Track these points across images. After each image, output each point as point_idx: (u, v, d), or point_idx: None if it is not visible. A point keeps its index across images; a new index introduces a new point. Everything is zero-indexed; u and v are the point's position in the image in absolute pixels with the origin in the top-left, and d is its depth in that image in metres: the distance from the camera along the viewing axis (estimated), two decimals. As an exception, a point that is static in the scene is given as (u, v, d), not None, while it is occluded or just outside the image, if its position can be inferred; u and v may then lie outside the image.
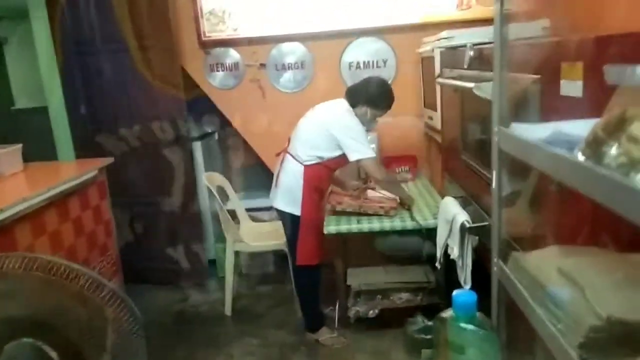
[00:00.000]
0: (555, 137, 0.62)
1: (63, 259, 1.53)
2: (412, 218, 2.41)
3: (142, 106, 3.17)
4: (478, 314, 0.74)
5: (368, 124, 2.49)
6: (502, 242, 0.91)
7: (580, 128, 0.59)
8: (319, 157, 2.42)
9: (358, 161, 2.39)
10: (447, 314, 0.76)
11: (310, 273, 2.50)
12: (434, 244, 2.22)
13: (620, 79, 0.51)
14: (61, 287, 1.43)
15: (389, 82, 3.16)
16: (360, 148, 2.37)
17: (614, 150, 0.47)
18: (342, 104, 2.47)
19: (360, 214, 2.48)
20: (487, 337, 0.72)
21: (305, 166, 2.42)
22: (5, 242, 1.87)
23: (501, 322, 0.90)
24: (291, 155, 2.49)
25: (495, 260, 0.91)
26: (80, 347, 1.39)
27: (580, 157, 0.53)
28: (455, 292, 0.75)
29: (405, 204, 2.54)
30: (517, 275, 0.79)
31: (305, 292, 2.58)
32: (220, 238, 3.30)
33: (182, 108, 3.17)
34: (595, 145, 0.51)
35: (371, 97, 2.42)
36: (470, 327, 0.72)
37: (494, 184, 0.89)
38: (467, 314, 0.73)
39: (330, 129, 2.39)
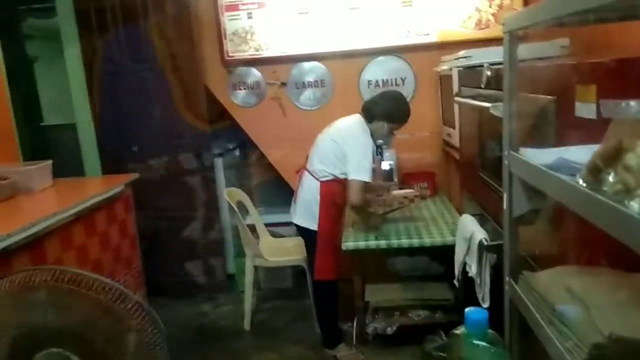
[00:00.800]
0: (560, 163, 0.64)
1: (90, 271, 1.59)
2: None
3: (167, 124, 3.28)
4: (490, 331, 0.75)
5: (385, 139, 2.53)
6: (514, 261, 0.93)
7: (584, 154, 0.61)
8: (334, 174, 2.46)
9: (351, 180, 2.39)
10: (460, 330, 0.78)
11: (328, 288, 2.52)
12: (452, 262, 2.22)
13: (615, 112, 0.53)
14: (88, 299, 1.49)
15: (408, 99, 3.21)
16: (359, 169, 2.38)
17: (611, 177, 0.50)
18: (358, 120, 2.50)
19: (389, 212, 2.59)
20: (499, 354, 0.73)
21: (322, 182, 2.47)
22: (35, 255, 1.94)
23: (513, 339, 0.91)
24: (309, 171, 2.55)
25: (507, 279, 0.92)
26: (106, 356, 1.44)
27: (582, 183, 0.56)
28: (467, 310, 0.77)
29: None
30: (527, 294, 0.81)
31: (323, 307, 2.59)
32: (240, 253, 3.35)
33: (207, 140, 3.30)
34: (595, 172, 0.53)
35: (387, 111, 2.45)
36: (482, 344, 0.74)
37: (504, 205, 0.92)
38: (479, 330, 0.75)
39: (341, 145, 2.43)
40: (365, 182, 2.40)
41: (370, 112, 2.49)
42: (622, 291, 0.67)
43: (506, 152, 0.88)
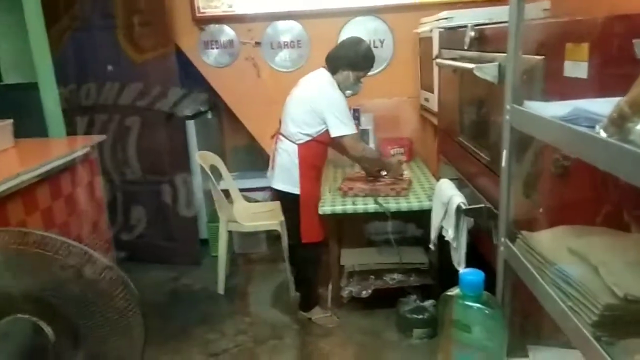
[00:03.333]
0: (576, 113, 0.61)
1: (56, 234, 1.52)
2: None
3: (135, 84, 3.12)
4: (485, 292, 0.74)
5: (352, 87, 2.47)
6: (510, 221, 0.91)
7: (602, 106, 0.58)
8: (309, 135, 2.41)
9: (339, 138, 2.38)
10: (454, 292, 0.76)
11: (313, 250, 2.51)
12: (427, 226, 2.22)
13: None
14: (55, 263, 1.42)
15: (386, 62, 3.15)
16: (341, 124, 2.35)
17: None
18: (323, 75, 2.44)
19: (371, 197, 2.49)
20: (493, 315, 0.72)
21: (299, 145, 2.42)
22: (-4, 217, 1.84)
23: (506, 301, 0.90)
24: (283, 135, 2.49)
25: (502, 239, 0.91)
26: (76, 322, 1.39)
27: (603, 134, 0.53)
28: (462, 271, 0.75)
29: (397, 176, 2.55)
30: (526, 255, 0.79)
31: (305, 269, 2.59)
32: (213, 218, 3.29)
33: (176, 87, 3.12)
34: (620, 122, 0.50)
35: (350, 59, 2.40)
36: (477, 305, 0.73)
37: (503, 163, 0.89)
38: (474, 292, 0.73)
39: (312, 105, 2.37)
40: (355, 133, 2.39)
41: (333, 64, 2.43)
42: (629, 251, 0.66)
43: (508, 106, 0.84)
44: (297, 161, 2.42)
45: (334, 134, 2.37)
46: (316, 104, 2.37)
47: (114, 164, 3.07)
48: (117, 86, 3.14)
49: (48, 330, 1.35)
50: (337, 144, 2.53)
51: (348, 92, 2.46)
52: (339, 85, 2.42)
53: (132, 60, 3.10)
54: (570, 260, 0.68)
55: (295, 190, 2.44)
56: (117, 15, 3.04)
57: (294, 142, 2.43)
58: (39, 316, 1.35)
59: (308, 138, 2.42)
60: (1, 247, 1.35)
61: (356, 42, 2.47)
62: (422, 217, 2.40)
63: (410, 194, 2.50)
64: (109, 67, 3.15)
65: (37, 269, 1.39)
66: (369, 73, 2.53)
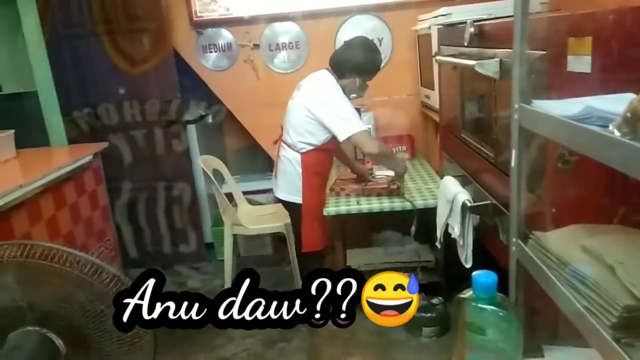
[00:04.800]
0: (588, 112, 0.60)
1: (62, 245, 1.51)
2: (404, 199, 2.39)
3: (135, 91, 3.12)
4: (498, 294, 0.73)
5: (358, 92, 2.38)
6: (521, 221, 0.90)
7: (612, 103, 0.58)
8: (313, 144, 2.33)
9: (349, 139, 2.24)
10: (467, 294, 0.76)
11: (314, 259, 2.46)
12: (434, 224, 2.22)
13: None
14: (61, 274, 1.42)
15: (385, 61, 3.14)
16: (347, 124, 2.22)
17: None
18: (325, 78, 2.33)
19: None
20: (507, 317, 0.71)
21: (302, 154, 2.35)
22: (2, 229, 1.84)
23: (520, 301, 0.90)
24: (286, 143, 2.41)
25: (514, 240, 0.90)
26: (85, 332, 1.38)
27: (617, 134, 0.52)
28: (475, 273, 0.74)
29: (399, 181, 2.48)
30: (539, 255, 0.79)
31: (307, 269, 2.56)
32: (217, 222, 3.29)
33: (176, 92, 3.12)
34: (634, 122, 0.49)
35: (357, 65, 2.29)
36: (490, 307, 0.72)
37: (513, 163, 0.88)
38: (487, 294, 0.72)
39: (315, 114, 2.27)
40: (366, 130, 2.27)
41: (339, 68, 2.32)
42: None
43: (516, 106, 0.84)
44: (300, 170, 2.35)
45: (343, 137, 2.24)
46: (319, 113, 2.26)
47: (117, 171, 3.06)
48: (116, 93, 3.14)
49: (59, 342, 1.35)
50: (339, 150, 2.50)
51: (353, 95, 2.36)
52: (344, 89, 2.32)
53: (131, 66, 3.10)
54: (584, 260, 0.68)
55: (298, 199, 2.38)
56: (114, 21, 3.03)
57: (297, 151, 2.36)
58: (50, 328, 1.35)
59: (311, 147, 2.34)
60: (7, 261, 1.35)
61: (364, 45, 2.34)
62: (428, 215, 2.39)
63: (414, 192, 2.49)
64: (107, 74, 3.14)
65: (44, 281, 1.38)
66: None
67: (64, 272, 1.42)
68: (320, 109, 2.26)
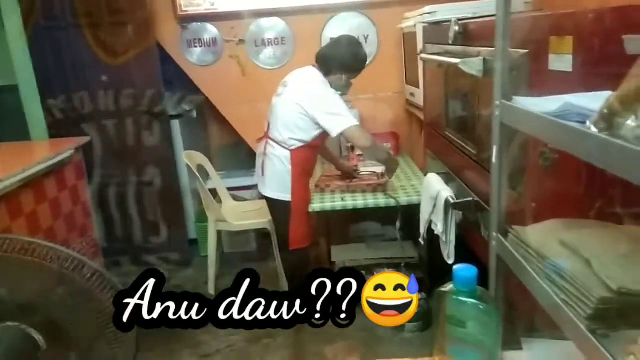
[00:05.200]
0: (566, 109, 0.61)
1: (42, 239, 1.49)
2: (388, 195, 2.41)
3: (117, 85, 3.08)
4: (479, 288, 0.74)
5: (343, 89, 2.40)
6: (502, 216, 0.92)
7: (591, 101, 0.59)
8: (303, 140, 2.33)
9: (342, 134, 2.29)
10: (447, 288, 0.77)
11: (301, 255, 2.45)
12: (418, 221, 2.24)
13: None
14: (42, 269, 1.40)
15: (370, 58, 3.15)
16: (340, 120, 2.24)
17: (631, 122, 0.47)
18: (314, 74, 2.35)
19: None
20: (487, 310, 0.72)
21: (292, 151, 2.33)
22: (-20, 224, 1.81)
23: (500, 296, 0.91)
24: (274, 141, 2.38)
25: (494, 234, 0.91)
26: (66, 328, 1.37)
27: (593, 130, 0.53)
28: (456, 267, 0.75)
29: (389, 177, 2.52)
30: (518, 249, 0.80)
31: (295, 273, 2.56)
32: (201, 217, 3.27)
33: (159, 87, 3.09)
34: (610, 118, 0.51)
35: (344, 63, 2.32)
36: (470, 300, 0.73)
37: (494, 159, 0.90)
38: (468, 288, 0.74)
39: (305, 109, 2.27)
40: (358, 125, 2.30)
41: (326, 65, 2.34)
42: (619, 244, 0.67)
43: (498, 102, 0.85)
44: (289, 167, 2.34)
45: (335, 132, 2.26)
46: (311, 109, 2.26)
47: (99, 165, 3.03)
48: (99, 86, 3.10)
49: (38, 337, 1.33)
50: (324, 148, 2.51)
51: (338, 92, 2.36)
52: (330, 85, 2.34)
53: (114, 60, 3.06)
54: (562, 253, 0.69)
55: (287, 197, 2.37)
56: (97, 14, 2.98)
57: (287, 148, 2.35)
58: (29, 323, 1.33)
59: (301, 144, 2.34)
60: (-13, 255, 1.33)
61: (350, 43, 2.38)
62: (411, 211, 2.41)
63: (398, 189, 2.51)
64: (88, 67, 3.10)
65: (24, 276, 1.37)
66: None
67: (45, 267, 1.40)
68: (311, 105, 2.26)
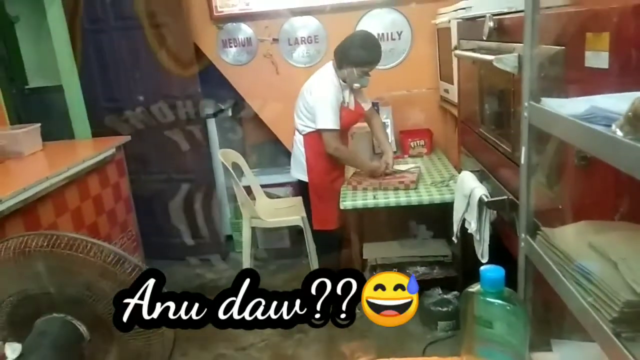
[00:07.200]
0: (593, 112, 0.61)
1: (86, 235, 1.57)
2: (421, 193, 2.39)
3: (156, 85, 3.18)
4: (506, 289, 0.74)
5: (359, 81, 2.49)
6: (530, 217, 0.91)
7: (619, 102, 0.58)
8: (310, 126, 2.51)
9: (320, 130, 2.45)
10: (475, 288, 0.77)
11: (328, 238, 2.57)
12: (451, 219, 2.21)
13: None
14: (85, 263, 1.47)
15: (404, 55, 3.13)
16: (324, 118, 2.41)
17: None
18: (327, 70, 2.52)
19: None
20: (514, 311, 0.72)
21: (304, 135, 2.54)
22: (29, 220, 1.91)
23: (528, 296, 0.91)
24: (295, 128, 2.61)
25: (523, 235, 0.91)
26: (108, 321, 1.43)
27: (619, 134, 0.53)
28: (482, 267, 0.75)
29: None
30: (546, 251, 0.80)
31: (324, 257, 2.62)
32: (236, 214, 3.34)
33: (196, 86, 3.16)
34: (635, 121, 0.50)
35: (353, 57, 2.43)
36: (498, 301, 0.73)
37: (522, 160, 0.89)
38: (495, 288, 0.73)
39: (308, 99, 2.48)
40: (334, 130, 2.43)
41: (338, 60, 2.49)
42: None
43: (526, 104, 0.84)
44: (303, 150, 2.55)
45: (317, 126, 2.45)
46: (310, 98, 2.46)
47: (138, 164, 3.13)
48: (139, 87, 3.20)
49: (82, 329, 1.40)
50: (344, 157, 2.59)
51: (356, 85, 2.50)
52: (344, 80, 2.49)
53: (152, 61, 3.15)
54: (590, 256, 0.68)
55: (304, 177, 2.57)
56: (136, 17, 3.08)
57: (300, 133, 2.56)
58: (74, 315, 1.40)
59: (310, 129, 2.51)
60: (34, 250, 1.40)
61: (362, 38, 2.49)
62: (445, 210, 2.39)
63: (431, 187, 2.48)
64: (129, 68, 3.21)
65: (69, 270, 1.44)
66: (386, 66, 2.54)
67: (88, 261, 1.46)
68: (312, 97, 2.47)
